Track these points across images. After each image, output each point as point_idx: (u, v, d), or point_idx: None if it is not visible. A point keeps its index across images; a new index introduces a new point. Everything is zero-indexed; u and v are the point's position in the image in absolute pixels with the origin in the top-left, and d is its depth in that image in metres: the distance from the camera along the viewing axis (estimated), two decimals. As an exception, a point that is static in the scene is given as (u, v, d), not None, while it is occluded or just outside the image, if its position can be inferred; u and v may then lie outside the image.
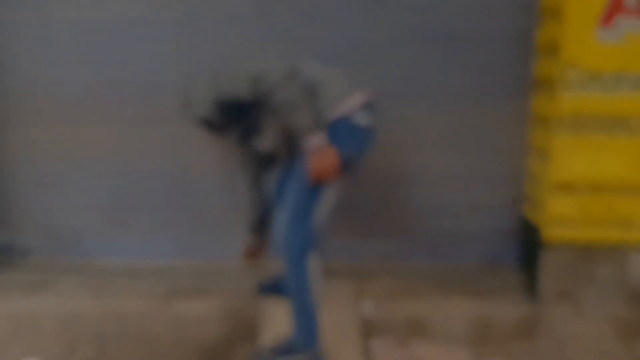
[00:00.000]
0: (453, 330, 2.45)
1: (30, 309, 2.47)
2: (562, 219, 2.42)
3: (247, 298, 2.48)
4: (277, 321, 2.27)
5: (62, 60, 2.62)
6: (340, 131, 1.93)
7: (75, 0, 2.56)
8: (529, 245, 2.62)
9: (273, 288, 2.44)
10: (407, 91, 2.60)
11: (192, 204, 2.69)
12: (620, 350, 2.44)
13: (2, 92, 2.64)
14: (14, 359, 2.38)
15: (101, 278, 2.64)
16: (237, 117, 2.04)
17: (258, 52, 2.43)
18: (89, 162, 2.68)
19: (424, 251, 2.73)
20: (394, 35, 2.57)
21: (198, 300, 2.49)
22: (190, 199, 2.68)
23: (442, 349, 2.41)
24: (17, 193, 2.71)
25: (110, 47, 2.61)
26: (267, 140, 2.06)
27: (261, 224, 2.36)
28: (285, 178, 2.12)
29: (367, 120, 1.99)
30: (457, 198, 2.68)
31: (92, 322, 2.44)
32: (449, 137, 2.66)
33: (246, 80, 1.92)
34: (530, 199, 2.63)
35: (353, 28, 2.57)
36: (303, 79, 1.93)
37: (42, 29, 2.59)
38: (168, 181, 2.68)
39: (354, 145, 1.97)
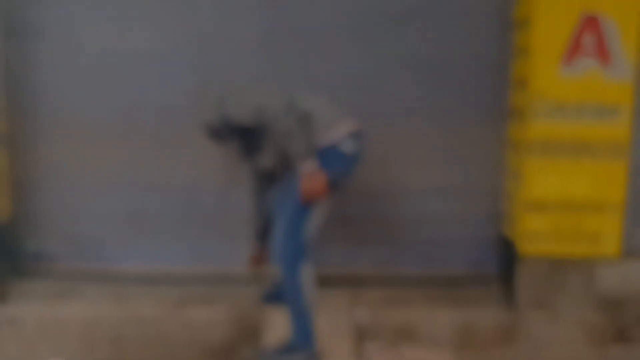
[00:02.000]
0: (439, 336, 2.70)
1: (56, 314, 2.73)
2: (535, 234, 2.70)
3: (252, 305, 2.74)
4: (279, 326, 2.53)
5: (86, 86, 2.92)
6: (329, 157, 2.25)
7: (98, 32, 2.88)
8: (506, 258, 2.88)
9: (275, 296, 2.69)
10: (395, 113, 2.90)
11: (203, 214, 2.95)
12: (591, 353, 2.67)
13: (33, 114, 2.94)
14: (40, 359, 2.63)
15: (120, 285, 2.90)
16: (239, 134, 2.36)
17: (262, 82, 2.74)
18: (110, 176, 2.95)
19: (412, 258, 2.98)
20: (383, 64, 2.89)
21: (207, 307, 2.75)
22: (201, 210, 2.95)
23: (429, 352, 2.65)
24: (46, 205, 2.98)
25: (130, 75, 2.91)
26: (267, 159, 2.37)
27: (264, 234, 2.63)
28: (282, 195, 2.42)
29: (353, 147, 2.30)
30: (440, 210, 2.95)
31: (111, 325, 2.70)
32: (433, 155, 2.95)
33: (250, 110, 2.25)
34: (506, 216, 2.91)
35: (346, 58, 2.88)
36: (298, 110, 2.25)
37: (68, 58, 2.90)
38: (181, 194, 2.95)
39: (340, 170, 2.28)
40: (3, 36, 2.85)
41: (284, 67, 2.87)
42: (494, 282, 2.92)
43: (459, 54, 2.90)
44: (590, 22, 2.58)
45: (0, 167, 2.85)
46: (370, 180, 2.80)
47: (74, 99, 2.93)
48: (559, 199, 2.68)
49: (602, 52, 2.59)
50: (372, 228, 2.96)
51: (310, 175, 2.20)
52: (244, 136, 2.36)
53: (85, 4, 2.87)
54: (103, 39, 2.89)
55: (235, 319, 2.69)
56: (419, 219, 2.95)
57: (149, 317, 2.71)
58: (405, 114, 2.91)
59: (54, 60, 2.90)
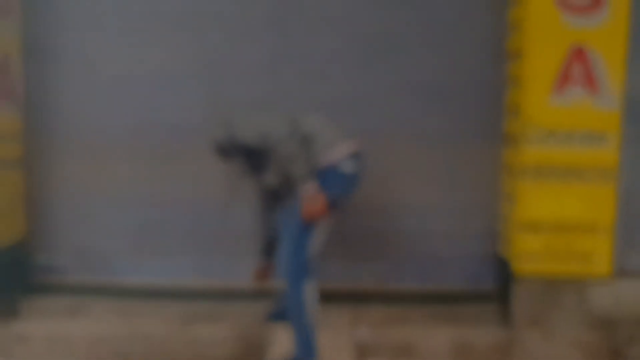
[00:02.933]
0: (438, 353, 2.78)
1: (64, 331, 2.80)
2: (529, 254, 2.81)
3: (256, 322, 2.82)
4: (282, 342, 2.61)
5: (99, 107, 3.06)
6: (329, 178, 2.37)
7: (113, 56, 3.04)
8: (502, 277, 2.98)
9: (280, 314, 2.78)
10: (396, 135, 3.05)
11: (209, 230, 3.06)
12: (585, 371, 2.76)
13: (48, 133, 3.06)
14: (49, 375, 2.69)
15: (127, 300, 2.98)
16: (245, 154, 2.49)
17: (267, 108, 2.87)
18: (118, 193, 3.07)
19: (411, 273, 3.09)
20: (384, 89, 3.04)
21: (213, 324, 2.83)
22: (207, 225, 3.06)
23: (428, 369, 2.73)
24: (56, 220, 3.09)
25: (140, 96, 3.05)
26: (271, 178, 2.49)
27: (269, 249, 2.73)
28: (285, 214, 2.53)
29: (352, 168, 2.43)
30: (438, 227, 3.07)
31: (119, 342, 2.77)
32: (432, 173, 3.08)
33: (256, 133, 2.38)
34: (501, 235, 3.02)
35: (348, 82, 3.04)
36: (300, 132, 2.38)
37: (83, 80, 3.05)
38: (187, 210, 3.06)
39: (339, 190, 2.41)
40: (23, 59, 2.99)
41: (288, 89, 3.02)
42: (490, 297, 3.02)
43: (457, 81, 3.06)
44: (579, 54, 2.74)
45: (14, 188, 2.96)
46: (371, 197, 2.91)
47: (87, 118, 3.07)
48: (552, 221, 2.80)
49: (590, 82, 2.75)
50: (372, 244, 3.07)
51: (310, 197, 2.32)
52: (250, 156, 2.49)
53: (100, 30, 3.03)
54: (116, 63, 3.05)
55: (240, 336, 2.77)
56: (418, 236, 3.06)
57: (155, 335, 2.78)
58: (405, 136, 3.05)
59: (69, 82, 3.05)
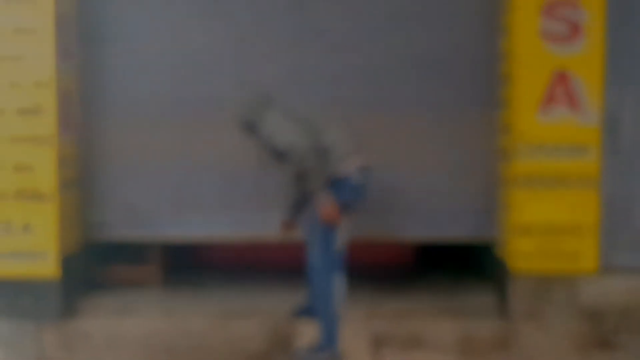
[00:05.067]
0: (444, 343, 3.14)
1: (119, 328, 3.25)
2: (523, 254, 3.18)
3: (285, 318, 3.23)
4: (307, 335, 3.01)
5: (143, 84, 3.51)
6: (341, 187, 2.78)
7: (158, 36, 3.48)
8: (501, 276, 3.35)
9: (305, 311, 3.18)
10: (404, 102, 3.47)
11: (241, 189, 3.47)
12: (577, 359, 3.09)
13: (99, 108, 3.53)
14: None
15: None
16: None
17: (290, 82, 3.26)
18: (160, 159, 3.51)
19: (418, 224, 3.48)
20: (394, 60, 3.46)
21: (247, 320, 3.24)
22: (239, 185, 3.47)
23: (437, 356, 3.09)
24: (107, 183, 3.54)
25: (183, 72, 3.48)
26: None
27: (297, 207, 3.06)
28: (309, 221, 2.96)
29: (361, 180, 2.84)
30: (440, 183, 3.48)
31: (165, 338, 3.20)
32: (433, 136, 3.47)
33: (283, 142, 2.76)
34: (499, 240, 3.40)
35: (362, 54, 3.45)
36: (321, 144, 2.77)
37: (129, 58, 3.51)
38: (222, 171, 3.48)
39: (350, 199, 2.83)
40: (80, 41, 3.46)
41: (307, 64, 3.46)
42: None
43: (454, 54, 3.45)
44: (561, 78, 3.14)
45: (73, 206, 3.43)
46: (382, 159, 3.27)
47: (134, 94, 3.52)
48: (543, 224, 3.17)
49: (572, 102, 3.14)
50: (383, 200, 3.44)
51: (326, 206, 2.74)
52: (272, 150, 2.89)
53: (146, 12, 3.50)
54: (156, 44, 3.50)
55: (271, 330, 3.18)
56: (423, 192, 3.46)
57: (196, 330, 3.21)
58: (411, 104, 3.47)
59: (119, 61, 3.51)
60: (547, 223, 3.17)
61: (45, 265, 3.25)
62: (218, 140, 3.48)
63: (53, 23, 3.21)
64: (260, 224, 3.46)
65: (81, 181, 3.52)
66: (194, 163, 3.51)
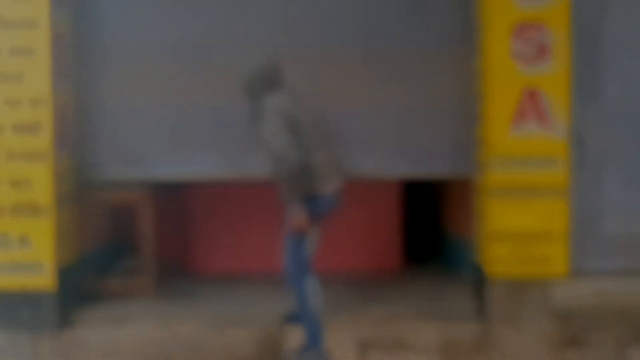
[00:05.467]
0: (427, 346, 3.32)
1: (114, 337, 3.35)
2: (498, 260, 3.39)
3: (275, 325, 3.37)
4: (297, 340, 3.16)
5: (137, 28, 3.61)
6: (315, 203, 2.98)
7: None
8: (479, 281, 3.56)
9: (294, 317, 3.33)
10: (385, 44, 3.64)
11: (232, 130, 3.58)
12: (551, 357, 3.29)
13: (94, 54, 3.62)
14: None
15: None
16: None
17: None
18: (154, 100, 3.61)
19: (403, 161, 3.65)
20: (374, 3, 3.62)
21: (239, 327, 3.38)
22: (230, 126, 3.58)
23: (420, 358, 3.27)
24: (102, 125, 3.65)
25: (173, 15, 3.60)
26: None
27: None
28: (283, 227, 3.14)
29: (335, 200, 3.07)
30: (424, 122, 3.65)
31: (160, 346, 3.31)
32: (415, 77, 3.64)
33: (274, 148, 2.90)
34: (476, 246, 3.61)
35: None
36: (308, 163, 2.93)
37: (123, 6, 3.60)
38: (214, 113, 3.60)
39: (322, 213, 3.05)
40: None
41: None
42: (469, 300, 3.58)
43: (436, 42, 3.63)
44: (531, 95, 3.38)
45: (69, 219, 3.54)
46: (367, 98, 3.55)
47: (130, 38, 3.63)
48: (516, 232, 3.39)
49: (542, 117, 3.38)
50: (369, 137, 3.64)
51: (297, 218, 2.93)
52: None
53: None
54: None
55: (262, 336, 3.32)
56: (407, 130, 3.64)
57: (190, 338, 3.33)
58: (391, 45, 3.63)
59: (113, 8, 3.63)
60: (521, 230, 3.39)
61: (41, 277, 3.35)
62: (210, 82, 3.61)
63: (50, 43, 3.35)
64: (249, 163, 3.58)
65: (77, 124, 3.64)
66: (186, 105, 3.64)
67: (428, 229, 5.11)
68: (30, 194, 3.35)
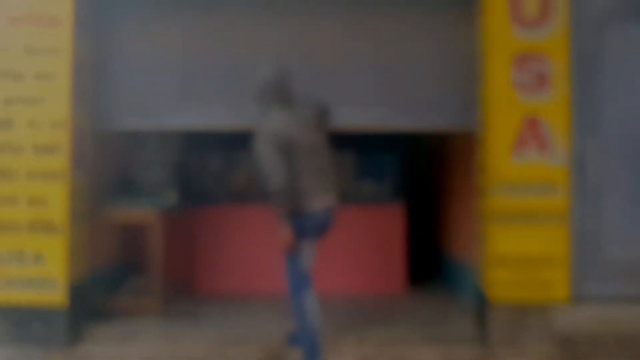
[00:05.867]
0: (428, 368, 3.37)
1: (122, 353, 3.43)
2: (500, 285, 3.44)
3: (279, 345, 3.43)
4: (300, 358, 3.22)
5: None
6: (302, 220, 3.08)
7: None
8: (480, 305, 3.60)
9: (298, 338, 3.39)
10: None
11: (241, 82, 3.65)
12: (552, 382, 3.32)
13: (111, 7, 3.75)
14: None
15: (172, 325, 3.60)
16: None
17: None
18: (166, 53, 3.76)
19: (407, 116, 3.74)
20: None
21: (244, 346, 3.45)
22: (238, 78, 3.68)
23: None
24: (117, 77, 3.79)
25: None
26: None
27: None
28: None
29: (325, 217, 3.14)
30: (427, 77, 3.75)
31: (166, 363, 3.39)
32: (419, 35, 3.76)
33: (263, 169, 3.03)
34: (478, 271, 3.66)
35: None
36: (293, 186, 3.02)
37: None
38: (223, 65, 3.72)
39: (312, 230, 3.12)
40: None
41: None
42: (470, 324, 3.61)
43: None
44: (532, 123, 3.47)
45: (83, 238, 3.67)
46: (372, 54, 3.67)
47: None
48: (517, 257, 3.44)
49: (542, 144, 3.46)
50: (374, 91, 3.74)
51: (283, 235, 3.05)
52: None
53: None
54: None
55: (266, 355, 3.38)
56: (411, 85, 3.72)
57: (196, 356, 3.40)
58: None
59: None
60: (522, 255, 3.44)
61: (54, 293, 3.46)
62: (221, 35, 3.74)
63: (71, 69, 3.53)
64: (256, 114, 3.61)
65: (93, 77, 3.78)
66: (197, 57, 3.77)
67: (426, 248, 5.18)
68: (47, 212, 3.48)
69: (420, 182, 5.81)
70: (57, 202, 3.49)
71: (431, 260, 5.09)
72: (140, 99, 3.80)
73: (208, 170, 4.96)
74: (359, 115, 3.74)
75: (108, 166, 4.17)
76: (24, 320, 3.46)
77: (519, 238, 3.45)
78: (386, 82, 3.76)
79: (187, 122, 3.81)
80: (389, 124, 3.78)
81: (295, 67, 3.49)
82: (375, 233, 4.54)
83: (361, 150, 4.97)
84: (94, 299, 3.82)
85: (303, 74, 3.58)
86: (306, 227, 3.10)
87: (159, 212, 4.00)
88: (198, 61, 3.79)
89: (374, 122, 3.77)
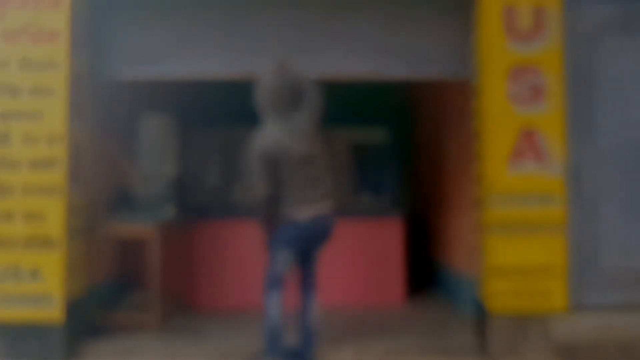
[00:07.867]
0: (430, 380, 3.37)
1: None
2: (499, 295, 3.46)
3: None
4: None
5: None
6: (289, 228, 3.16)
7: None
8: (480, 316, 3.61)
9: (296, 354, 3.37)
10: None
11: (239, 33, 3.72)
12: (552, 392, 3.33)
13: None
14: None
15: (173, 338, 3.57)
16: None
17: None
18: (166, 4, 3.73)
19: (401, 63, 3.77)
20: None
21: (244, 360, 3.43)
22: (237, 29, 3.72)
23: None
24: (119, 29, 3.79)
25: None
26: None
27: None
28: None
29: (313, 226, 3.18)
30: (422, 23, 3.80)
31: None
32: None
33: (250, 177, 3.14)
34: (477, 281, 3.67)
35: None
36: (279, 195, 3.12)
37: None
38: (222, 16, 3.74)
39: (295, 241, 3.19)
40: None
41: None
42: (470, 335, 3.61)
43: None
44: (528, 134, 3.51)
45: (79, 253, 3.64)
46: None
47: None
48: (516, 267, 3.46)
49: (538, 155, 3.50)
50: (366, 38, 3.79)
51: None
52: None
53: None
54: None
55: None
56: (403, 29, 3.77)
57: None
58: None
59: None
60: (520, 266, 3.47)
61: (50, 309, 3.42)
62: None
63: (68, 84, 3.52)
64: (253, 65, 3.69)
65: (94, 29, 3.77)
66: (196, 8, 3.77)
67: (420, 258, 5.19)
68: (43, 228, 3.45)
69: (418, 193, 5.85)
70: (54, 218, 3.46)
71: (429, 271, 5.10)
72: (139, 50, 3.81)
73: (207, 185, 4.95)
74: (356, 65, 3.76)
75: (105, 181, 4.15)
76: (20, 337, 3.41)
77: (517, 248, 3.47)
78: (383, 31, 3.79)
79: (186, 72, 3.81)
80: (385, 73, 3.81)
81: (291, 14, 3.67)
82: (375, 245, 4.55)
83: (360, 163, 4.99)
84: (92, 314, 3.78)
85: (300, 20, 3.74)
86: (292, 236, 3.17)
87: (157, 226, 3.98)
88: (197, 13, 3.80)
89: (370, 71, 3.79)
